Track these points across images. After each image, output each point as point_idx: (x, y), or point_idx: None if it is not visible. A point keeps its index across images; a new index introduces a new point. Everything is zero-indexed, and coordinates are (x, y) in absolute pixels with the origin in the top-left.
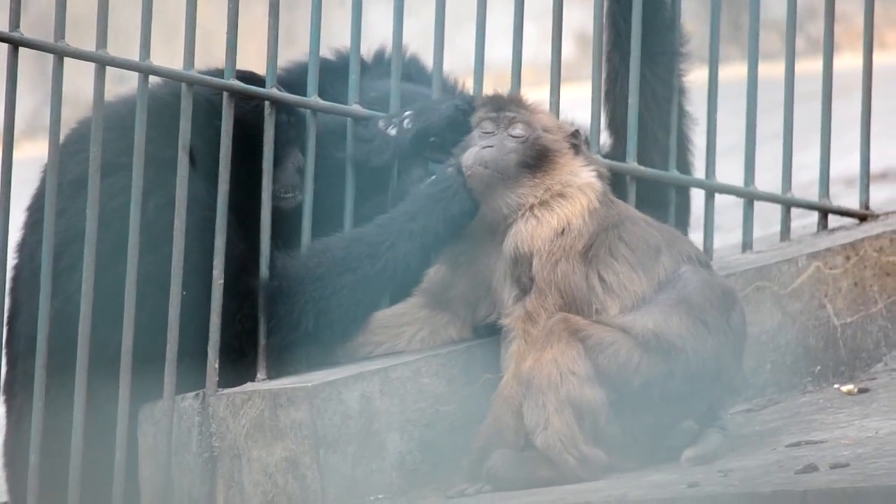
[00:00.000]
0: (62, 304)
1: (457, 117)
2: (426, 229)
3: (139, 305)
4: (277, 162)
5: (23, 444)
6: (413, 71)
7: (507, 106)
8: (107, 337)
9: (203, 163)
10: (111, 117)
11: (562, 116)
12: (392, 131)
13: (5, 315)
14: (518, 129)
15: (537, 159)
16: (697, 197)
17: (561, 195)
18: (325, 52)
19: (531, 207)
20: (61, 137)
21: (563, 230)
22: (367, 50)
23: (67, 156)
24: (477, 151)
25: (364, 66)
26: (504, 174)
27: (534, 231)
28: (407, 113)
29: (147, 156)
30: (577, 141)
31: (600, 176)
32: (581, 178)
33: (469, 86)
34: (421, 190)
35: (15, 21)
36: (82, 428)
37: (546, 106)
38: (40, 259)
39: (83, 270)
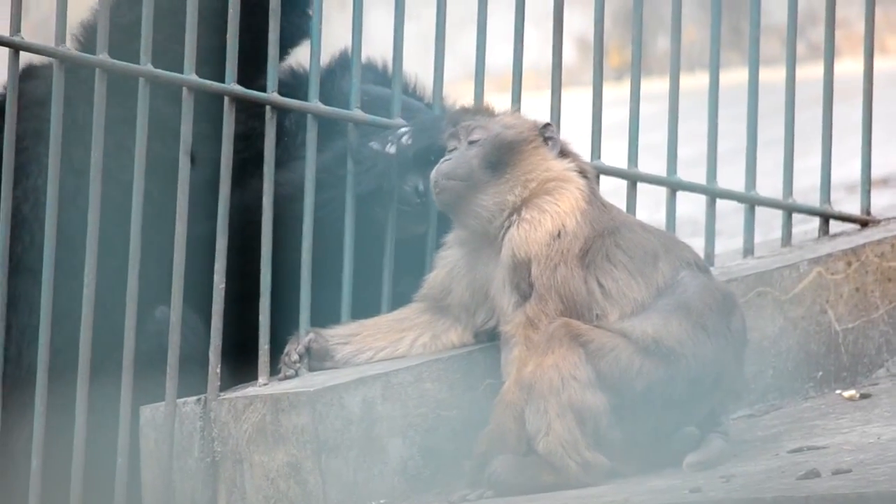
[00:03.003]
0: None
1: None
2: None
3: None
4: None
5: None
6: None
7: (463, 117)
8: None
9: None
10: None
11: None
12: (391, 149)
13: None
14: (475, 135)
15: (501, 156)
16: (699, 202)
17: (546, 192)
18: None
19: (517, 210)
20: None
21: (559, 233)
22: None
23: None
24: (437, 168)
25: (330, 69)
26: (469, 180)
27: (528, 236)
28: (403, 129)
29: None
30: (549, 133)
31: (583, 173)
32: (556, 169)
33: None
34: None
35: (16, 26)
36: (84, 432)
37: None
38: None
39: (85, 271)
